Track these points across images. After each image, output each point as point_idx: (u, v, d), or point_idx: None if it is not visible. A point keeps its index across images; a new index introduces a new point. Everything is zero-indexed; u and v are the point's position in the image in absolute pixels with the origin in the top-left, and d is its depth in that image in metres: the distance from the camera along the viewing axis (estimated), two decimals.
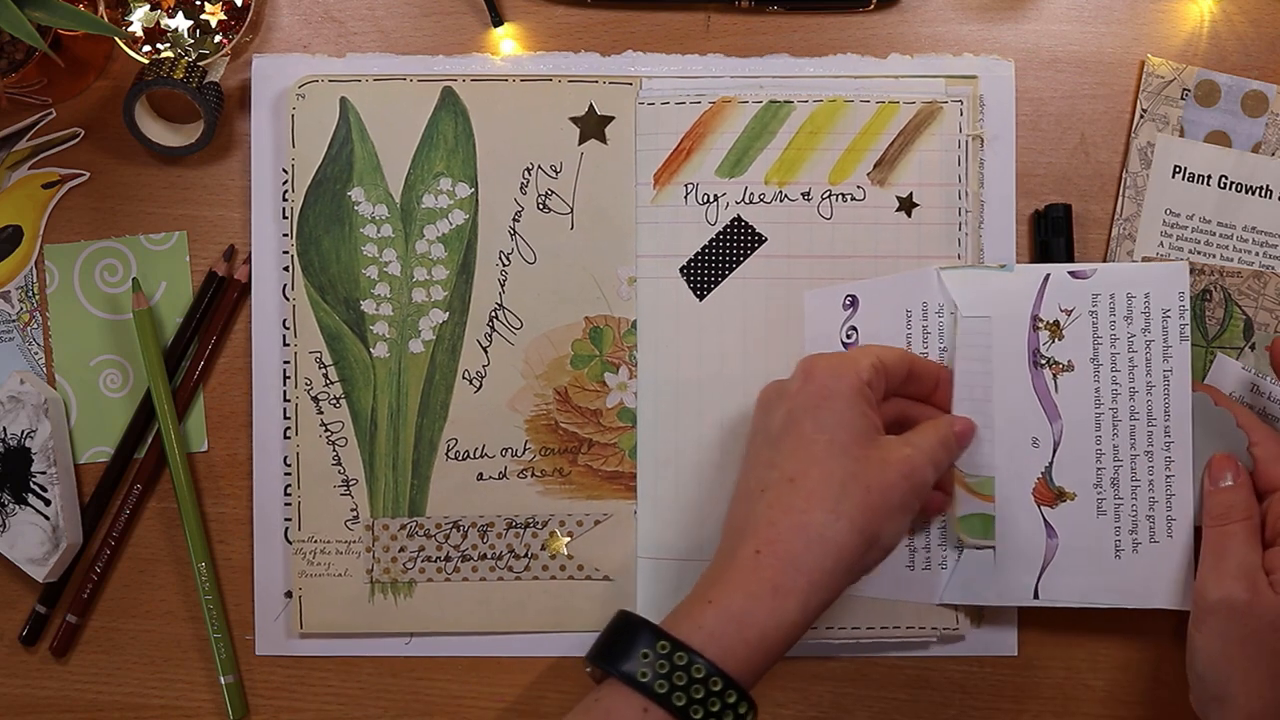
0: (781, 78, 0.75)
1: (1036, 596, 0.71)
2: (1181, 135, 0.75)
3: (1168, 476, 0.70)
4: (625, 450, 0.74)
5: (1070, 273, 0.70)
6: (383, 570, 0.74)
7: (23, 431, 0.73)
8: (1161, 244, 0.75)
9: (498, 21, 0.75)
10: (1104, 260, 0.75)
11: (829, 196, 0.73)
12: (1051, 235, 0.74)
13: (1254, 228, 0.74)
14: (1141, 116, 0.75)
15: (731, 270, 0.74)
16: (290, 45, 0.76)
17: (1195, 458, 0.69)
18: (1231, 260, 0.74)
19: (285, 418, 0.75)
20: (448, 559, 0.74)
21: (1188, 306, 0.69)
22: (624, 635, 0.60)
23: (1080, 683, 0.74)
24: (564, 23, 0.76)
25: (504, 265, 0.74)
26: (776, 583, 0.59)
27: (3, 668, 0.75)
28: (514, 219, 0.74)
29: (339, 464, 0.74)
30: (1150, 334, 0.70)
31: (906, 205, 0.73)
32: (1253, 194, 0.75)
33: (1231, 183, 0.75)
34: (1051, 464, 0.70)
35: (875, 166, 0.73)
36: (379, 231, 0.74)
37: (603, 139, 0.74)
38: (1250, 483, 0.68)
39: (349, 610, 0.74)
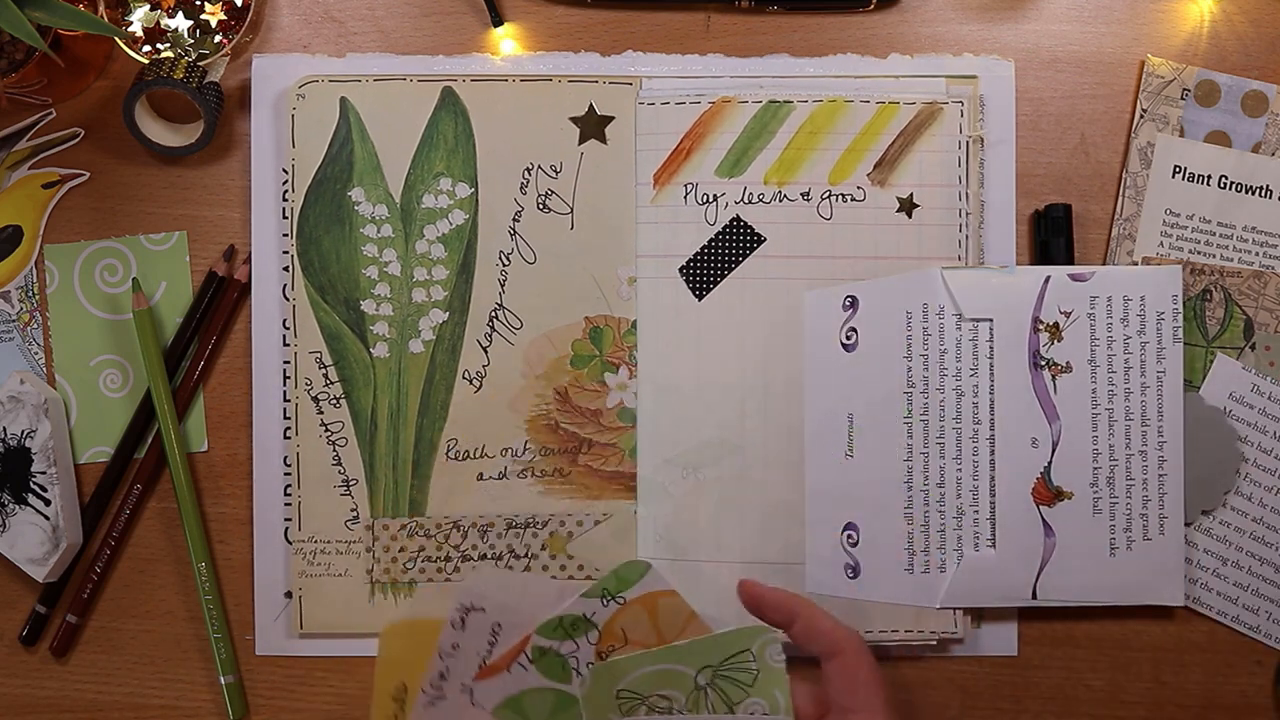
0: (781, 78, 0.75)
1: (1035, 596, 0.71)
2: (1181, 135, 0.75)
3: (1160, 475, 0.70)
4: (625, 450, 0.74)
5: (1070, 275, 0.70)
6: (383, 570, 0.74)
7: (23, 431, 0.73)
8: (1161, 244, 0.75)
9: (498, 21, 0.75)
10: (1104, 260, 0.75)
11: (829, 197, 0.73)
12: (1051, 235, 0.74)
13: (1254, 228, 0.74)
14: (1141, 116, 0.75)
15: (731, 270, 0.73)
16: (290, 45, 0.76)
17: (1186, 456, 0.70)
18: (1231, 260, 0.74)
19: (285, 418, 0.75)
20: (448, 559, 0.74)
21: (1181, 309, 0.70)
22: None
23: (1080, 683, 0.74)
24: (564, 23, 0.76)
25: (504, 265, 0.74)
26: None
27: (3, 668, 0.75)
28: (514, 219, 0.74)
29: (339, 464, 0.74)
30: (1145, 336, 0.70)
31: (907, 206, 0.73)
32: (1253, 194, 0.75)
33: (1231, 183, 0.75)
34: (1050, 464, 0.70)
35: (875, 167, 0.73)
36: (379, 231, 0.74)
37: (603, 139, 0.74)
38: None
39: (349, 610, 0.74)
